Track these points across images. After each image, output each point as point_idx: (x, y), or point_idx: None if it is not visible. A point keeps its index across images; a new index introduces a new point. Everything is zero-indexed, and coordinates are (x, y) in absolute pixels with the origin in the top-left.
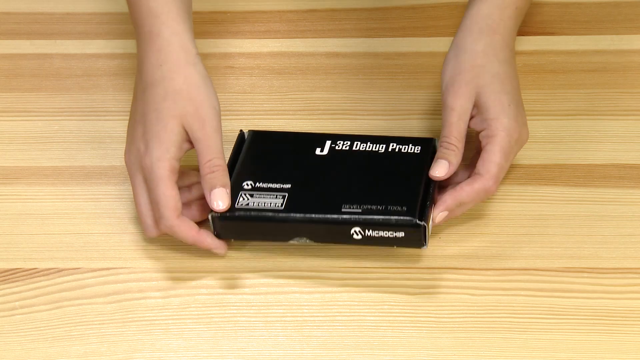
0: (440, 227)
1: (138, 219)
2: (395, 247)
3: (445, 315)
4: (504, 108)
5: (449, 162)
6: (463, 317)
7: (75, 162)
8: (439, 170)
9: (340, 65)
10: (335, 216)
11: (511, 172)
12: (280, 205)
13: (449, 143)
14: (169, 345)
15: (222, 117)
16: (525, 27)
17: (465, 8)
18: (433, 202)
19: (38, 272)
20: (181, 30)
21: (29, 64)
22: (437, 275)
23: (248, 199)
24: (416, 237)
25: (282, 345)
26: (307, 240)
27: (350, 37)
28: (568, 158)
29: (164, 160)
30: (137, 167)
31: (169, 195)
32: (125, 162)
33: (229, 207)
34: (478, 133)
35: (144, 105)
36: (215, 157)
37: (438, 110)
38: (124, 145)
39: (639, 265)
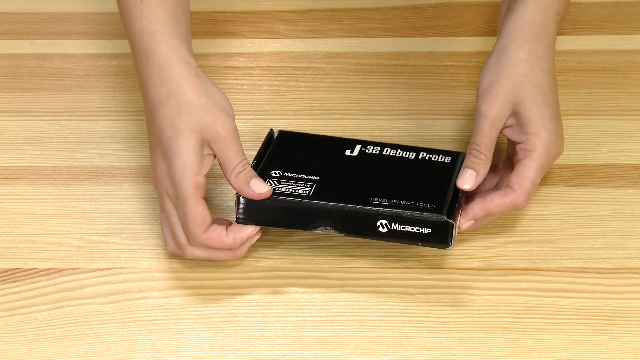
0: None
1: (174, 244)
2: (419, 244)
3: (445, 315)
4: (545, 122)
5: (477, 172)
6: (463, 317)
7: (75, 162)
8: (466, 181)
9: (340, 65)
10: (363, 207)
11: None
12: (308, 192)
13: (478, 152)
14: (169, 345)
15: None
16: None
17: (505, 12)
18: (461, 207)
19: (38, 272)
20: (177, 45)
21: (29, 64)
22: (437, 275)
23: (276, 185)
24: (442, 235)
25: (282, 345)
26: (331, 230)
27: (350, 37)
28: (568, 158)
29: (188, 177)
30: (162, 188)
31: (195, 212)
32: (154, 187)
33: (271, 192)
34: (512, 141)
35: (157, 126)
36: (243, 160)
37: (437, 111)
38: (124, 145)
39: (639, 265)
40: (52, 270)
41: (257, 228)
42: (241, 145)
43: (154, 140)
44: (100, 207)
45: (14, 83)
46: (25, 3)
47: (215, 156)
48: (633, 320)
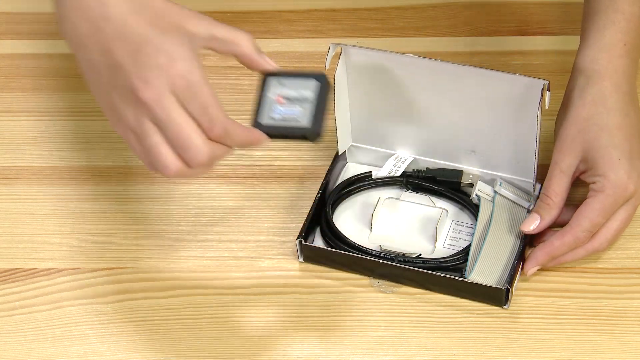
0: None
1: (178, 160)
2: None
3: (445, 315)
4: (613, 163)
5: (541, 217)
6: (463, 317)
7: (75, 162)
8: (528, 224)
9: None
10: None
11: None
12: None
13: (546, 196)
14: (169, 345)
15: None
16: (526, 27)
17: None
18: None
19: (38, 272)
20: None
21: (29, 64)
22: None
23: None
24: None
25: (282, 345)
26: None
27: (350, 37)
28: None
29: (196, 61)
30: (165, 85)
31: (214, 94)
32: (144, 96)
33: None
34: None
35: (133, 35)
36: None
37: None
38: (124, 145)
39: (639, 265)
40: (52, 270)
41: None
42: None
43: (126, 54)
44: (100, 207)
45: (14, 83)
46: (25, 3)
47: (207, 46)
48: (633, 320)
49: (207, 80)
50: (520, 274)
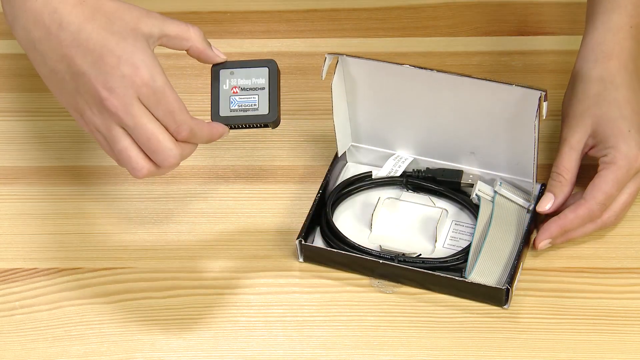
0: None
1: (148, 163)
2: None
3: (445, 315)
4: (623, 135)
5: (555, 195)
6: (463, 317)
7: (75, 162)
8: (544, 204)
9: None
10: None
11: None
12: None
13: (557, 174)
14: (169, 345)
15: None
16: (526, 27)
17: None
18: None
19: (38, 272)
20: None
21: (29, 64)
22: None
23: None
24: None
25: (282, 345)
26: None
27: (350, 37)
28: None
29: (158, 67)
30: (131, 94)
31: (178, 98)
32: (112, 105)
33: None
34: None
35: (91, 43)
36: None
37: None
38: None
39: (639, 265)
40: (52, 270)
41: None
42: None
43: (88, 62)
44: (100, 207)
45: (14, 83)
46: None
47: (158, 43)
48: (633, 320)
49: (170, 85)
50: (518, 275)
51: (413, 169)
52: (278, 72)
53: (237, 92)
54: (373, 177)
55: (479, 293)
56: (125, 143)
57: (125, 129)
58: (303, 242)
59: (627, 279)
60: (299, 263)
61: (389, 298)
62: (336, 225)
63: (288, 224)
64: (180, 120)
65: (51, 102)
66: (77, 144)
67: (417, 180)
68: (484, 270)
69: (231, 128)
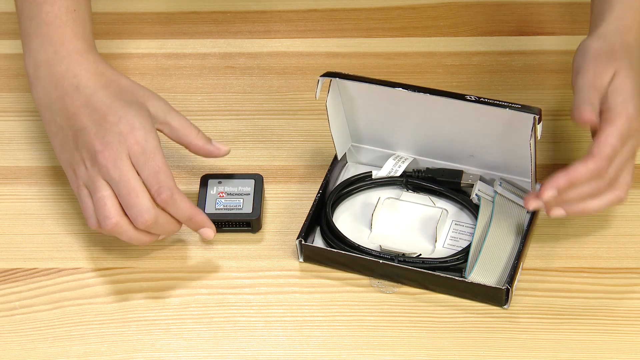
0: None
1: (120, 217)
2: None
3: (445, 315)
4: (633, 96)
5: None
6: (463, 317)
7: None
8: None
9: (340, 65)
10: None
11: None
12: None
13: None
14: (169, 345)
15: (223, 117)
16: (526, 27)
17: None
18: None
19: (38, 272)
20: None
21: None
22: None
23: None
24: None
25: (282, 345)
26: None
27: (350, 37)
28: (568, 158)
29: (153, 132)
30: (123, 149)
31: (166, 163)
32: (103, 158)
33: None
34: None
35: (100, 103)
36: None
37: None
38: None
39: (639, 265)
40: (52, 270)
41: (213, 227)
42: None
43: (92, 120)
44: None
45: (14, 83)
46: None
47: (158, 128)
48: (633, 320)
49: (160, 149)
50: (518, 275)
51: (413, 169)
52: (262, 181)
53: (223, 196)
54: (373, 177)
55: (479, 293)
56: (105, 192)
57: (109, 182)
58: (303, 242)
59: (627, 279)
60: (299, 263)
61: (389, 298)
62: (336, 225)
63: (288, 224)
64: (163, 181)
65: None
66: None
67: (417, 180)
68: (484, 271)
69: (215, 224)
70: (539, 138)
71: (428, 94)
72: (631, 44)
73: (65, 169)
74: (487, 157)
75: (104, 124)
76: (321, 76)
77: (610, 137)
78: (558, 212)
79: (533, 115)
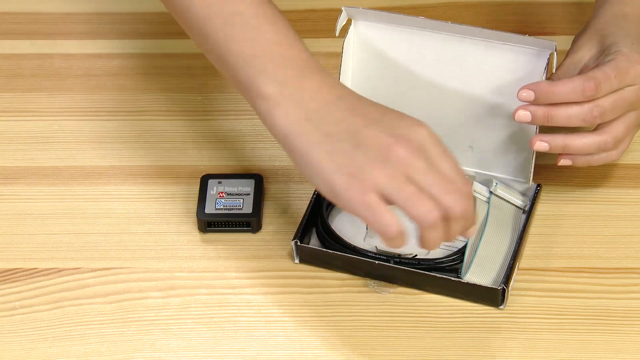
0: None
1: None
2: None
3: (442, 316)
4: (626, 44)
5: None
6: (463, 317)
7: (75, 162)
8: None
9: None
10: None
11: None
12: None
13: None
14: (169, 345)
15: (222, 117)
16: (526, 27)
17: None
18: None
19: (38, 272)
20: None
21: (29, 64)
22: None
23: None
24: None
25: (282, 345)
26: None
27: None
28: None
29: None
30: (418, 140)
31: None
32: (399, 151)
33: None
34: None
35: (368, 108)
36: None
37: None
38: (124, 145)
39: (639, 265)
40: (52, 270)
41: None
42: None
43: (370, 118)
44: (100, 207)
45: (14, 83)
46: (26, 3)
47: None
48: (633, 320)
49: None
50: (514, 275)
51: None
52: (262, 181)
53: (223, 196)
54: None
55: (475, 293)
56: (412, 188)
57: (409, 176)
58: (299, 243)
59: (627, 279)
60: (295, 264)
61: (386, 299)
62: (332, 226)
63: (285, 225)
64: (460, 179)
65: (50, 102)
66: (77, 144)
67: None
68: (480, 271)
69: (211, 226)
70: (553, 71)
71: (448, 23)
72: (628, 18)
73: (336, 177)
74: (485, 147)
75: (387, 120)
76: (344, 7)
77: (604, 66)
78: (530, 94)
79: (550, 51)
